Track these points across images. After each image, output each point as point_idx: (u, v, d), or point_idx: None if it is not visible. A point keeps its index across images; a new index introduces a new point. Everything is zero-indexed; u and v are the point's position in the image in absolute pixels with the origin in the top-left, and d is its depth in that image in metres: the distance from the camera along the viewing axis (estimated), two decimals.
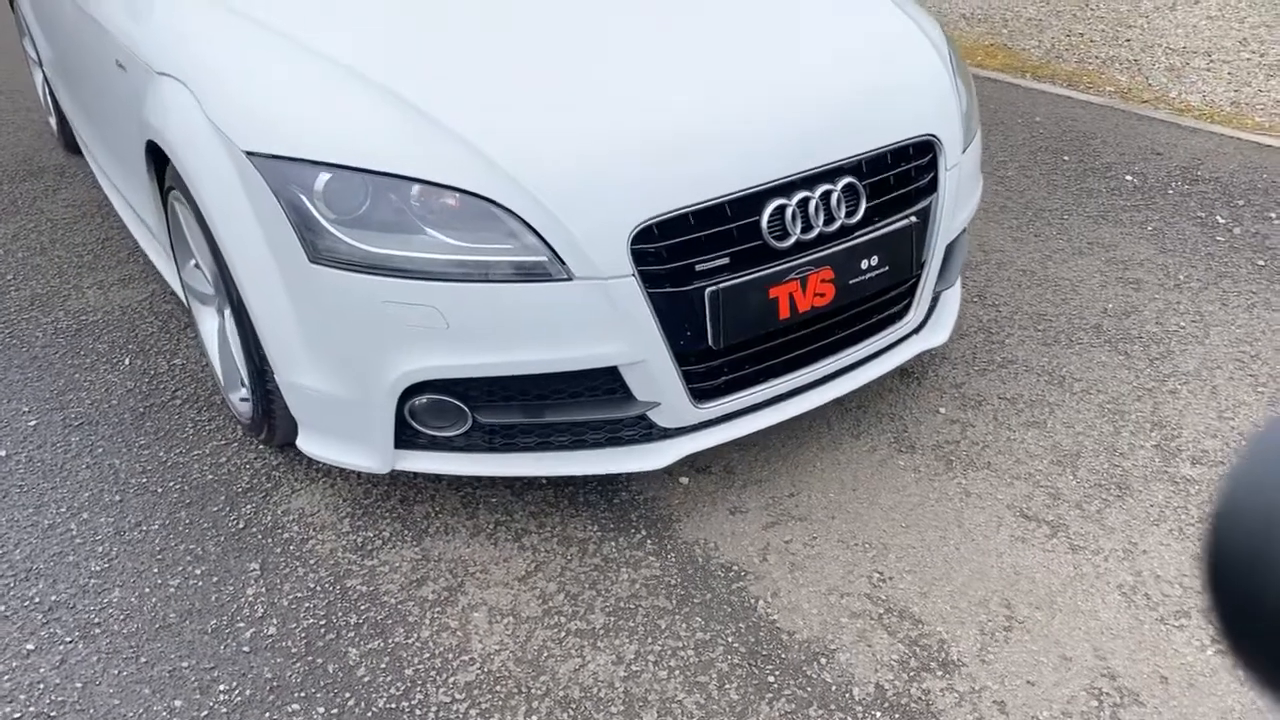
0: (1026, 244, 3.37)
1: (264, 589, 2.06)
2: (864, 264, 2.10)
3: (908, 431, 2.45)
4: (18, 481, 2.39)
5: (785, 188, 2.00)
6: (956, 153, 2.28)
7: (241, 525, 2.24)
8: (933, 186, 2.24)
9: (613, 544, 2.14)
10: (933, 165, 2.24)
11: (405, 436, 2.04)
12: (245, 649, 1.93)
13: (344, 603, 2.02)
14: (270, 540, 2.19)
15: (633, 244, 1.86)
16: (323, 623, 1.98)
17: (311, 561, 2.13)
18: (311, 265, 1.90)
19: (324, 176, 1.89)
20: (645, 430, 2.05)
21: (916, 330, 2.40)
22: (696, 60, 2.11)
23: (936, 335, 2.44)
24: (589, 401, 2.00)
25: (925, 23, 2.48)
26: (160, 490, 2.36)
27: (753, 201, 1.97)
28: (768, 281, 1.98)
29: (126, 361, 2.86)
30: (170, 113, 2.14)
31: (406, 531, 2.20)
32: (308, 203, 1.90)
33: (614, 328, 1.89)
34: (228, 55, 2.09)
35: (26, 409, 2.67)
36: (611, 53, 2.11)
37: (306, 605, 2.02)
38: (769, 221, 1.97)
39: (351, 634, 1.96)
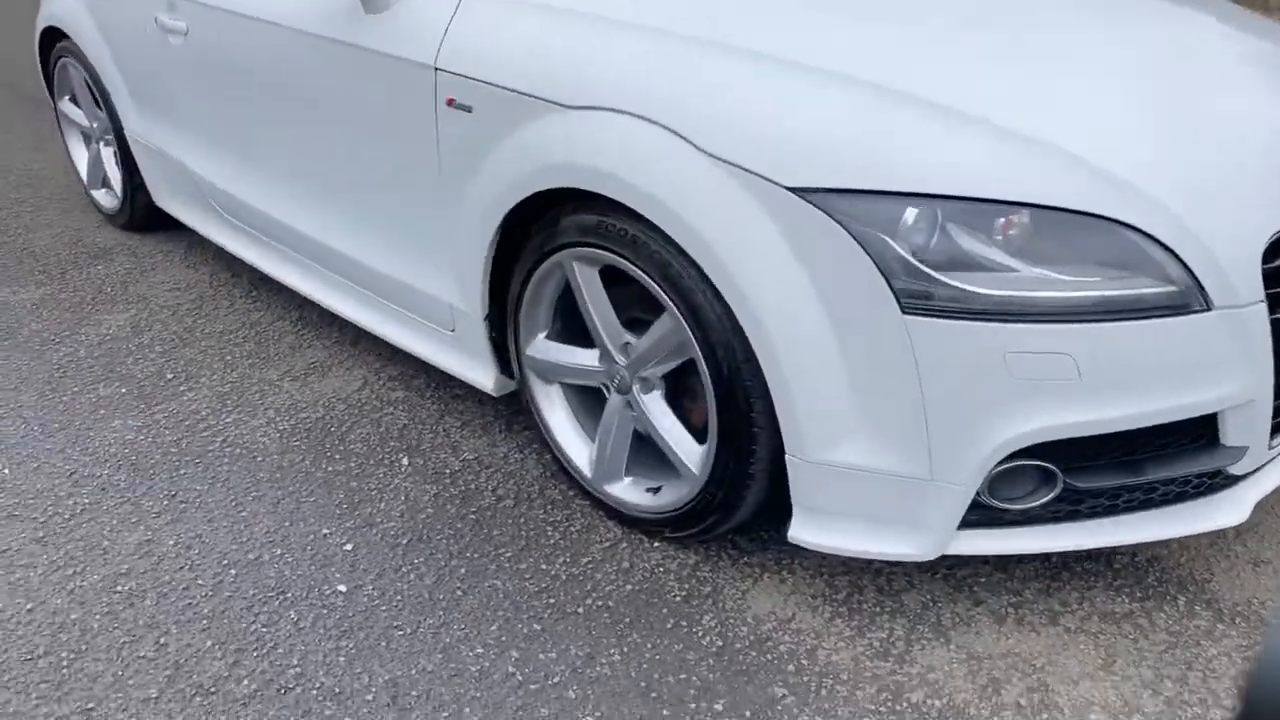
0: None
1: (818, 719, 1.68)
2: None
3: None
4: (389, 619, 1.90)
5: None
6: None
7: (720, 643, 1.84)
8: None
9: (1162, 615, 1.88)
10: None
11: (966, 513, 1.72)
12: None
13: None
14: (769, 657, 1.80)
15: (1263, 263, 1.64)
16: None
17: (843, 677, 1.76)
18: (904, 316, 1.58)
19: (911, 211, 1.58)
20: (1210, 479, 1.81)
21: None
22: (1222, 77, 1.92)
23: None
24: (1178, 454, 1.75)
25: None
26: (580, 611, 1.92)
27: None
28: None
29: (405, 461, 2.37)
30: (630, 153, 1.76)
31: (920, 627, 1.86)
32: (893, 243, 1.58)
33: (1237, 364, 1.65)
34: (728, 83, 1.73)
35: (326, 530, 2.15)
36: (1148, 61, 1.88)
37: None
38: None
39: None
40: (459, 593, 1.97)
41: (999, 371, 1.58)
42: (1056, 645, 1.82)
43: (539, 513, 2.19)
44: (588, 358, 2.08)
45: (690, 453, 1.92)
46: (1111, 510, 1.78)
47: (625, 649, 1.83)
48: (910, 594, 1.94)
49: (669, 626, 1.88)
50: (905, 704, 1.71)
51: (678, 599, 1.94)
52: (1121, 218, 1.58)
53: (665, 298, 1.80)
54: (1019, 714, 1.68)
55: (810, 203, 1.61)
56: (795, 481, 1.77)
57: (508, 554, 2.07)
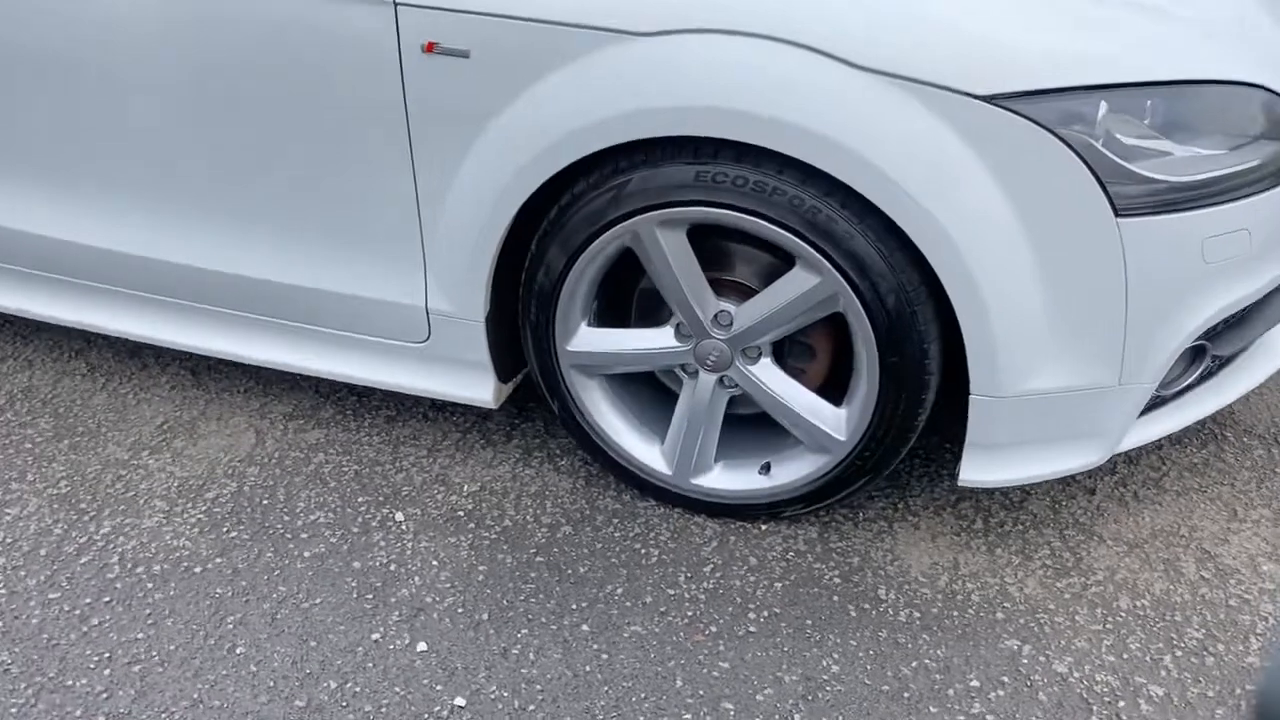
0: None
1: (1073, 662, 1.58)
2: None
3: None
4: (535, 698, 1.49)
5: None
6: None
7: (918, 615, 1.66)
8: None
9: (1228, 455, 1.99)
10: None
11: None
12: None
13: (1160, 635, 1.64)
14: (973, 612, 1.67)
15: None
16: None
17: (1051, 607, 1.67)
18: (1118, 219, 1.46)
19: (1104, 104, 1.45)
20: None
21: None
22: None
23: None
24: (1270, 306, 1.82)
25: None
26: (753, 630, 1.64)
27: None
28: None
29: (399, 517, 1.86)
30: (756, 81, 1.43)
31: (1067, 531, 1.82)
32: (1095, 142, 1.44)
33: None
34: None
35: (376, 635, 1.63)
36: None
37: (1148, 658, 1.60)
38: None
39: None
40: (603, 657, 1.60)
41: (1196, 259, 1.52)
42: (1183, 512, 1.87)
43: (611, 531, 1.83)
44: (661, 338, 1.73)
45: (832, 418, 1.69)
46: (1209, 374, 1.83)
47: (836, 656, 1.60)
48: (1031, 501, 1.89)
49: (854, 615, 1.67)
50: (1123, 613, 1.67)
51: (836, 581, 1.73)
52: (1260, 82, 1.57)
53: (808, 249, 1.52)
54: (1211, 587, 1.71)
55: (1009, 109, 1.41)
56: (976, 421, 1.62)
57: (618, 591, 1.71)
